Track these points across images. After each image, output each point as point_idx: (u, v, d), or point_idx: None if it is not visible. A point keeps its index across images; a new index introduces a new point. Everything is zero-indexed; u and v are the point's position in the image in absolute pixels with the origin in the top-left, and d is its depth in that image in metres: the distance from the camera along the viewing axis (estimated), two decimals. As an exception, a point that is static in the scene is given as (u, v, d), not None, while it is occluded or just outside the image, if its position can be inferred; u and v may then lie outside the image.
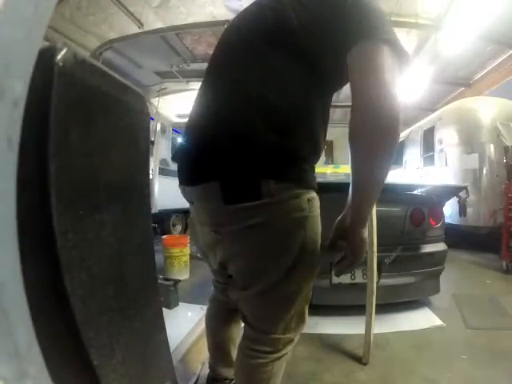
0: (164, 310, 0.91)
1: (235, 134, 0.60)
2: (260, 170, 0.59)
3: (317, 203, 0.68)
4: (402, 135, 5.77)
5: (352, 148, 0.59)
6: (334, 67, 0.63)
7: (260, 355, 0.74)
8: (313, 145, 0.66)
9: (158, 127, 4.38)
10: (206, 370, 1.34)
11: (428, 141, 4.54)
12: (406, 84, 5.99)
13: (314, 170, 0.69)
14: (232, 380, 1.06)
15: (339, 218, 0.77)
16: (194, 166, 0.68)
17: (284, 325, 0.72)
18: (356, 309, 1.67)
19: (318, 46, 0.62)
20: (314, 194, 0.67)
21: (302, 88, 0.64)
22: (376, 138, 0.55)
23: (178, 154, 0.78)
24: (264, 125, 0.60)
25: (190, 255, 2.94)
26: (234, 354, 0.94)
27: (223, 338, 1.01)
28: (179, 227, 5.27)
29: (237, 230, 0.64)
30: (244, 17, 0.76)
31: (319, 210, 0.70)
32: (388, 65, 0.54)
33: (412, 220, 1.88)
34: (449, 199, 2.13)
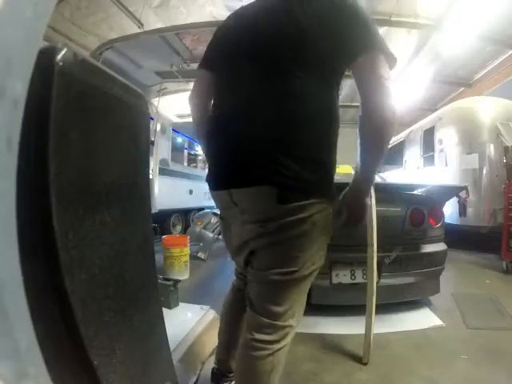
0: (164, 309, 0.91)
1: (286, 152, 0.73)
2: (302, 177, 0.73)
3: (331, 203, 0.82)
4: (402, 135, 5.77)
5: (362, 137, 0.78)
6: (340, 73, 0.79)
7: (262, 346, 0.78)
8: (334, 164, 0.82)
9: (158, 127, 4.38)
10: (206, 370, 1.34)
11: (428, 141, 4.54)
12: (407, 84, 6.00)
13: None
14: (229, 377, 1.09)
15: (345, 191, 0.91)
16: (244, 172, 0.76)
17: (288, 309, 0.80)
18: (356, 309, 1.67)
19: (329, 59, 0.74)
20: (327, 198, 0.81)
21: (327, 100, 0.78)
22: (381, 130, 0.73)
23: (215, 162, 0.87)
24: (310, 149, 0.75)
25: (190, 255, 2.94)
26: None
27: (238, 329, 1.01)
28: (179, 227, 5.27)
29: (284, 222, 0.74)
30: (253, 23, 0.81)
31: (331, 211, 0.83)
32: (386, 73, 0.70)
33: (412, 220, 1.88)
34: (449, 199, 2.13)
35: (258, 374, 0.79)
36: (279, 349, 0.79)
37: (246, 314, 0.86)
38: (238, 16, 0.90)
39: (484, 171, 3.59)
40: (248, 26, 0.82)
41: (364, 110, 0.74)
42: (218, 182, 0.85)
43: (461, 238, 3.43)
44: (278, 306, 0.79)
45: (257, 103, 0.76)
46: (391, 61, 0.74)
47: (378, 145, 0.76)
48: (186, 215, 5.44)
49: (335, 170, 0.82)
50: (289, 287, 0.79)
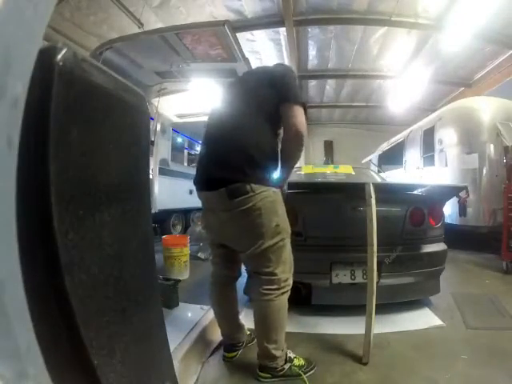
0: (164, 309, 0.91)
1: (234, 164, 1.16)
2: (247, 180, 1.14)
3: (275, 192, 1.22)
4: (402, 135, 5.77)
5: (287, 152, 1.24)
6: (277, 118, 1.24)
7: (269, 292, 1.19)
8: (274, 162, 1.24)
9: (158, 127, 4.38)
10: (206, 370, 1.34)
11: (428, 141, 4.53)
12: (407, 84, 6.01)
13: (273, 175, 1.24)
14: (243, 343, 1.49)
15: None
16: (211, 181, 1.20)
17: (276, 266, 1.20)
18: (356, 309, 1.67)
19: (274, 108, 1.22)
20: (273, 188, 1.21)
21: (271, 134, 1.25)
22: (298, 146, 1.22)
23: (198, 175, 1.30)
24: (250, 157, 1.16)
25: (190, 255, 2.94)
26: (240, 319, 1.49)
27: (228, 305, 1.43)
28: (179, 227, 5.27)
29: (237, 211, 1.16)
30: (245, 83, 1.38)
31: (279, 197, 1.24)
32: (301, 114, 1.20)
33: (412, 220, 1.88)
34: (449, 199, 2.13)
35: (271, 311, 1.20)
36: (282, 293, 1.21)
37: (251, 278, 1.29)
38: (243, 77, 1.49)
39: (484, 171, 3.58)
40: (243, 79, 1.46)
41: (288, 135, 1.22)
42: (200, 186, 1.29)
43: (461, 238, 3.43)
44: (268, 268, 1.20)
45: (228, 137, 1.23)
46: (305, 107, 1.24)
47: (289, 163, 1.28)
48: (186, 215, 5.44)
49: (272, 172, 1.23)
50: (267, 254, 1.18)
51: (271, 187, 1.20)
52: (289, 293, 1.25)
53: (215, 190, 1.17)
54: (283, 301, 1.23)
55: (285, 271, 1.22)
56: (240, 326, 1.48)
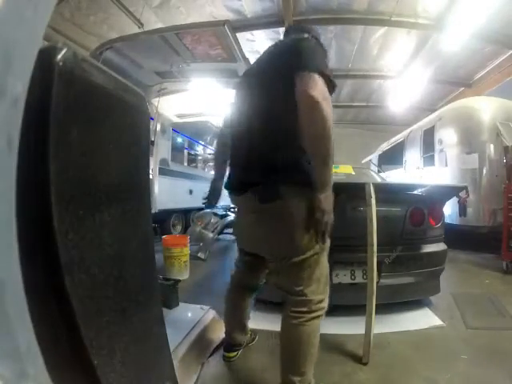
0: (164, 309, 0.91)
1: (265, 165, 1.01)
2: (281, 182, 0.98)
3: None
4: (402, 135, 5.77)
5: (306, 139, 0.92)
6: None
7: (298, 315, 1.03)
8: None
9: (158, 127, 4.38)
10: (206, 370, 1.34)
11: (428, 141, 4.53)
12: (407, 84, 6.00)
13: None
14: (242, 345, 1.46)
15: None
16: (241, 184, 1.10)
17: (306, 286, 1.02)
18: (356, 309, 1.67)
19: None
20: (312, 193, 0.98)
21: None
22: (315, 123, 0.87)
23: (228, 178, 1.22)
24: (281, 156, 0.98)
25: (190, 255, 2.94)
26: (247, 323, 1.46)
27: (240, 308, 1.39)
28: (179, 227, 5.27)
29: (267, 216, 1.02)
30: (257, 71, 1.17)
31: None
32: (314, 81, 0.87)
33: (412, 220, 1.88)
34: (449, 199, 2.12)
35: (299, 337, 1.03)
36: (313, 317, 1.03)
37: (282, 294, 1.10)
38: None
39: (484, 171, 3.58)
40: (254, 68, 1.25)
41: (301, 104, 0.90)
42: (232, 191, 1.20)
43: (461, 238, 3.43)
44: (297, 286, 1.03)
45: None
46: (329, 80, 0.92)
47: (317, 154, 0.93)
48: (186, 215, 5.44)
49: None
50: (297, 270, 1.02)
51: (309, 192, 0.98)
52: (323, 317, 1.07)
53: (245, 192, 1.06)
54: (314, 326, 1.04)
55: (317, 291, 1.04)
56: (244, 329, 1.46)
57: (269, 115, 1.01)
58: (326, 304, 1.07)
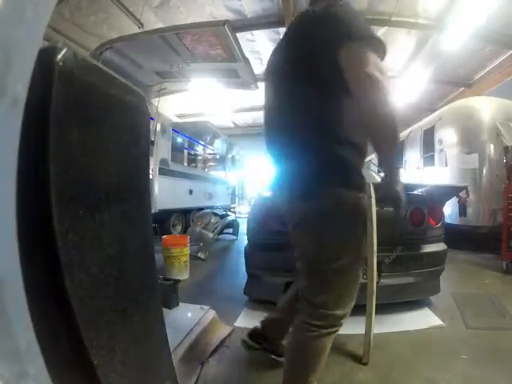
0: (164, 309, 0.91)
1: (304, 163, 0.89)
2: (320, 181, 0.87)
3: (356, 199, 0.92)
4: (402, 135, 5.76)
5: (366, 123, 0.81)
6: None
7: (315, 329, 0.91)
8: (356, 154, 0.92)
9: (158, 127, 4.38)
10: (206, 370, 1.34)
11: (428, 141, 4.53)
12: (406, 84, 6.00)
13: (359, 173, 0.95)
14: (267, 348, 1.33)
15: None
16: (286, 183, 0.99)
17: (327, 299, 0.91)
18: (356, 309, 1.66)
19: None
20: (357, 193, 0.91)
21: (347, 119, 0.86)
22: (376, 102, 0.76)
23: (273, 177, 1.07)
24: (322, 152, 0.87)
25: (190, 255, 2.94)
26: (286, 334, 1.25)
27: (288, 317, 1.19)
28: (179, 227, 5.27)
29: (307, 216, 0.91)
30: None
31: (358, 207, 0.92)
32: (365, 55, 0.76)
33: (412, 220, 1.88)
34: (449, 199, 2.13)
35: (306, 351, 0.94)
36: (329, 333, 0.93)
37: (299, 301, 1.00)
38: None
39: (484, 171, 3.58)
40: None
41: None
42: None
43: (461, 238, 3.43)
44: (316, 296, 0.92)
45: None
46: (375, 46, 0.80)
47: (379, 139, 0.82)
48: (185, 215, 5.44)
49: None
50: (318, 278, 0.91)
51: (354, 191, 0.88)
52: (331, 338, 0.96)
53: (291, 192, 0.96)
54: (328, 342, 0.95)
55: (338, 306, 0.92)
56: (282, 334, 1.31)
57: (317, 110, 0.85)
58: (344, 320, 0.96)
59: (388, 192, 0.86)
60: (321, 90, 0.83)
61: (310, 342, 0.93)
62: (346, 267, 0.90)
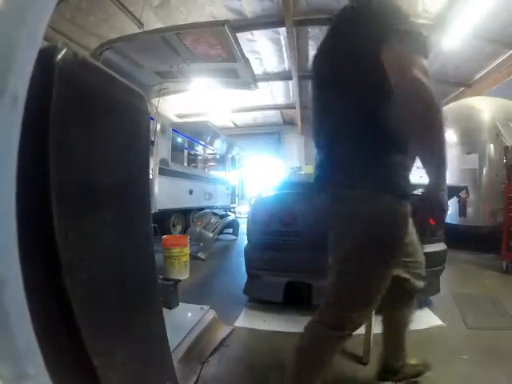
0: (164, 309, 0.91)
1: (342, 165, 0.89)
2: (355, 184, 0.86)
3: (392, 206, 0.91)
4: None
5: (412, 124, 0.77)
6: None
7: (323, 329, 0.89)
8: (397, 156, 0.93)
9: (158, 127, 4.38)
10: (206, 370, 1.34)
11: (428, 141, 4.53)
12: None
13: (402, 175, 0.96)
14: (398, 370, 1.22)
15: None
16: (324, 185, 0.97)
17: (338, 300, 0.89)
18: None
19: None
20: (396, 199, 0.91)
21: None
22: (422, 106, 0.74)
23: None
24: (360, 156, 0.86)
25: (190, 255, 2.94)
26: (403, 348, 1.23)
27: (397, 331, 1.22)
28: (179, 227, 5.27)
29: (340, 216, 0.92)
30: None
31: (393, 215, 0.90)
32: (403, 56, 0.73)
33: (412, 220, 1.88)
34: (449, 199, 2.12)
35: (317, 352, 0.91)
36: (338, 337, 0.89)
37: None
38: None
39: (484, 171, 3.59)
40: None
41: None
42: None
43: (461, 238, 3.43)
44: (329, 296, 0.91)
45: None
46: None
47: (425, 143, 0.78)
48: (185, 215, 5.44)
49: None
50: (333, 275, 0.91)
51: (392, 196, 0.86)
52: (341, 341, 0.92)
53: (328, 194, 0.94)
54: (333, 346, 0.92)
55: (349, 309, 0.88)
56: (399, 351, 1.24)
57: (358, 108, 0.83)
58: (359, 325, 0.92)
59: (431, 200, 0.81)
60: (369, 93, 0.80)
61: (317, 342, 0.90)
62: (351, 273, 0.87)
